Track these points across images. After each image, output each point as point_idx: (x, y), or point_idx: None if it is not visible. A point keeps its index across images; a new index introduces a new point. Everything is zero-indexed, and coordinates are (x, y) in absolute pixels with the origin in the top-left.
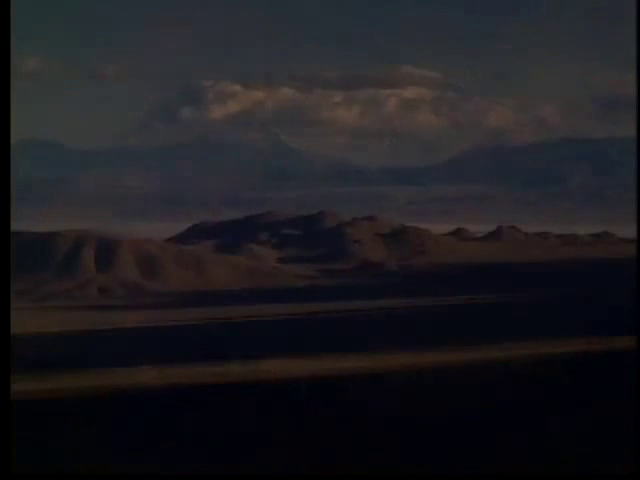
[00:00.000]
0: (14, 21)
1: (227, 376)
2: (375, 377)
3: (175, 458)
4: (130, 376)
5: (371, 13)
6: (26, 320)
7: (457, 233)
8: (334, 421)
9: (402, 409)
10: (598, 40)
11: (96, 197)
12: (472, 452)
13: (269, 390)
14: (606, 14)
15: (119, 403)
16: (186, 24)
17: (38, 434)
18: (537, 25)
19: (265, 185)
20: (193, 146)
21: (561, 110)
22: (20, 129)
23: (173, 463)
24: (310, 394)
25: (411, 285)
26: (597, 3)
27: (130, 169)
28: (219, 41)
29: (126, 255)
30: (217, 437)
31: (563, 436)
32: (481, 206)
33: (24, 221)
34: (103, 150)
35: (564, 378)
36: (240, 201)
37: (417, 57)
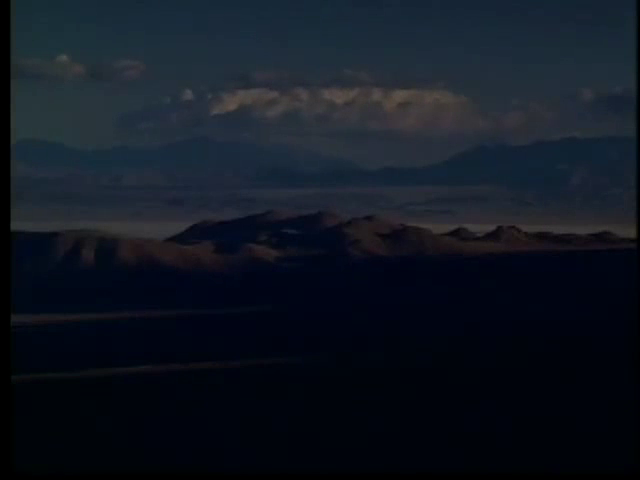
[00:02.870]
0: (14, 21)
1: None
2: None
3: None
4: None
5: (370, 14)
6: (26, 319)
7: (457, 233)
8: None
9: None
10: (598, 40)
11: (96, 197)
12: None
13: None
14: (606, 14)
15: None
16: (187, 24)
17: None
18: (537, 25)
19: (265, 185)
20: (193, 146)
21: (561, 110)
22: (20, 129)
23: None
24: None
25: (410, 284)
26: (597, 3)
27: (130, 169)
28: (220, 41)
29: (126, 255)
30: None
31: (564, 436)
32: (481, 206)
33: (24, 221)
34: (103, 150)
35: (563, 376)
36: (240, 201)
37: (417, 58)
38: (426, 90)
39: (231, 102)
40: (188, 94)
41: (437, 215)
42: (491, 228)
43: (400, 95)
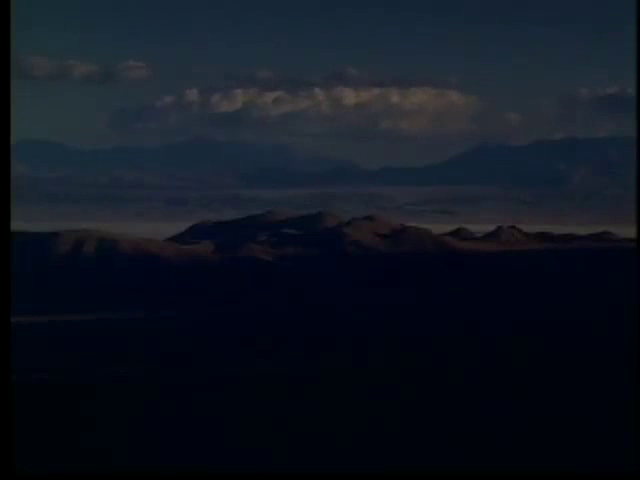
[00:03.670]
0: (14, 21)
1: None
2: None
3: None
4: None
5: (370, 14)
6: (26, 319)
7: (457, 233)
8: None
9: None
10: (598, 40)
11: (96, 197)
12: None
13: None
14: (606, 14)
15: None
16: (186, 24)
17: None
18: (537, 25)
19: (265, 185)
20: (193, 146)
21: (561, 110)
22: (20, 129)
23: None
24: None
25: (410, 284)
26: (597, 3)
27: (130, 169)
28: (220, 41)
29: (126, 255)
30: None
31: (564, 436)
32: (481, 206)
33: (24, 221)
34: (103, 150)
35: (563, 376)
36: (240, 201)
37: (417, 58)
38: (426, 90)
39: (231, 102)
40: (188, 94)
41: (437, 215)
42: (491, 228)
43: (400, 95)
